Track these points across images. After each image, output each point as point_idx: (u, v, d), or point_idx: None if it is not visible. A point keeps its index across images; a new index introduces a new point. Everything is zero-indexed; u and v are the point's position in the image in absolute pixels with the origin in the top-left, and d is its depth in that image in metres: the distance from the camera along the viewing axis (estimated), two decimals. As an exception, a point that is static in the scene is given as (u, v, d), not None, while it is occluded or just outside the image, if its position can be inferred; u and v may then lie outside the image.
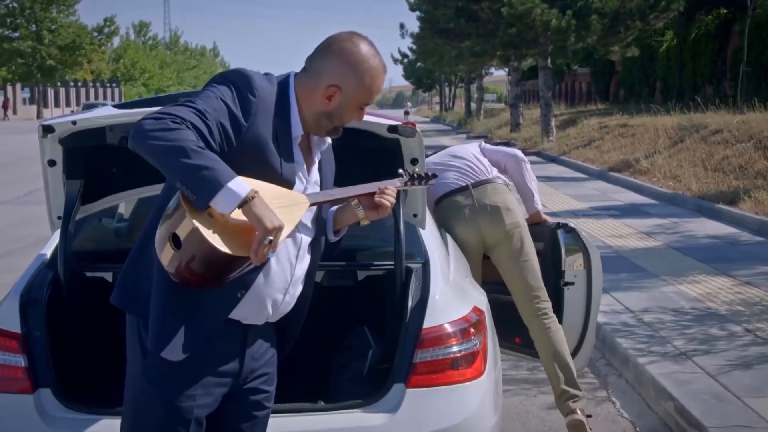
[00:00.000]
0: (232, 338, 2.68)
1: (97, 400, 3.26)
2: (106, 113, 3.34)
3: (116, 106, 3.40)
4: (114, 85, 78.33)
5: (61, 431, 3.11)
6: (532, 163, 5.20)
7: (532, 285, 4.63)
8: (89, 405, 3.20)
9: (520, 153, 5.10)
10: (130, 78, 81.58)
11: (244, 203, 2.35)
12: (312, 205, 2.69)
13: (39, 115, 61.54)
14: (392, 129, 3.37)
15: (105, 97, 76.31)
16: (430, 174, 3.05)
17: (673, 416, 4.90)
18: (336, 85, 2.66)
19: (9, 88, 61.12)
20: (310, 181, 2.79)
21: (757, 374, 5.34)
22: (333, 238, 2.94)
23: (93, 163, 3.56)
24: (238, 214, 2.37)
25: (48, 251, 3.72)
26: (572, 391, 4.57)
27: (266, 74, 2.75)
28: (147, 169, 3.53)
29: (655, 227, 11.18)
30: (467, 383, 3.30)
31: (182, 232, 2.35)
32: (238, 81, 2.60)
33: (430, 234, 3.90)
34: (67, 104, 69.22)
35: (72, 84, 69.05)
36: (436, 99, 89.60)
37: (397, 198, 3.59)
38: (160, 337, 2.57)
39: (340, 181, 3.84)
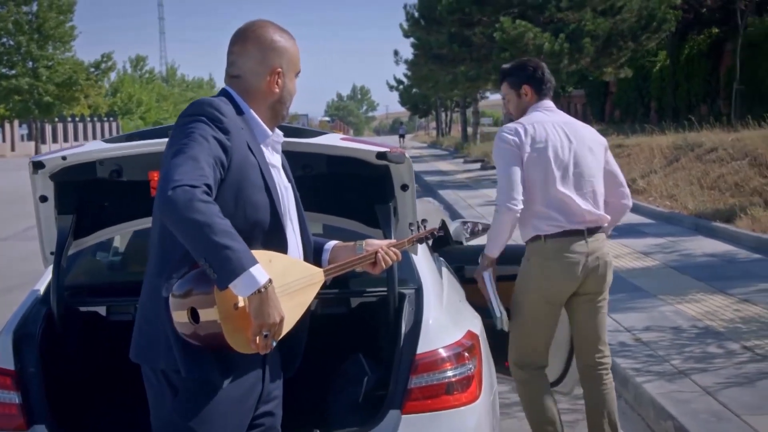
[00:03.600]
0: (254, 359, 2.69)
1: None
2: (96, 147, 3.36)
3: (106, 141, 3.42)
4: (111, 119, 78.53)
5: None
6: None
7: (601, 337, 4.40)
8: None
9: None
10: (127, 111, 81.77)
11: (258, 292, 2.43)
12: (328, 279, 2.81)
13: (37, 151, 61.58)
14: (381, 156, 3.39)
15: (102, 132, 76.52)
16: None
17: (673, 436, 4.89)
18: (276, 69, 2.77)
19: (6, 125, 61.27)
20: (281, 175, 2.87)
21: (756, 392, 5.33)
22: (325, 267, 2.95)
23: (84, 197, 3.57)
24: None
25: (41, 287, 3.73)
26: None
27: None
28: (138, 202, 3.58)
29: (652, 247, 11.19)
30: (462, 408, 3.29)
31: (204, 315, 2.46)
32: (205, 111, 2.66)
33: (422, 259, 3.91)
34: (65, 139, 69.39)
35: (69, 119, 69.22)
36: (433, 124, 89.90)
37: (388, 222, 3.62)
38: (188, 360, 2.59)
39: (332, 209, 3.87)
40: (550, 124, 4.31)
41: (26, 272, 11.41)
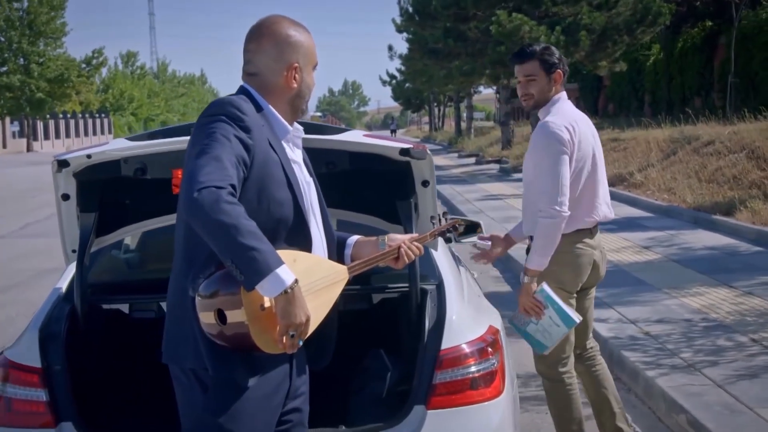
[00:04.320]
0: (281, 357, 2.71)
1: (117, 431, 3.26)
2: (120, 146, 3.36)
3: (129, 139, 3.43)
4: (103, 115, 78.30)
5: None
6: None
7: (591, 326, 4.55)
8: None
9: None
10: (119, 108, 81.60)
11: (284, 292, 2.46)
12: (352, 276, 2.83)
13: (29, 149, 61.44)
14: (404, 152, 3.40)
15: (94, 128, 76.26)
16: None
17: (686, 429, 4.91)
18: (293, 64, 2.78)
19: (-2, 122, 61.15)
20: (304, 171, 2.89)
21: None
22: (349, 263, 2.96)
23: (106, 195, 3.58)
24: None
25: (63, 285, 3.73)
26: (626, 428, 4.47)
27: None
28: (160, 199, 3.58)
29: (652, 240, 11.22)
30: (487, 403, 3.31)
31: (231, 316, 2.48)
32: (226, 110, 2.67)
33: (442, 255, 3.92)
34: (57, 136, 69.13)
35: (61, 116, 68.96)
36: (425, 119, 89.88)
37: (410, 218, 3.63)
38: (216, 359, 2.61)
39: (353, 205, 3.89)
40: (581, 119, 4.27)
41: (23, 270, 11.41)
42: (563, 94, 4.32)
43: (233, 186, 2.51)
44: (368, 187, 3.76)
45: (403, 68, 49.56)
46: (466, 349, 3.34)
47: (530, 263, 4.07)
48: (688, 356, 6.00)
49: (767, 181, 13.04)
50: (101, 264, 4.17)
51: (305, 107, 2.88)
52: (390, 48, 37.19)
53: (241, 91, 2.82)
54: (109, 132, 77.71)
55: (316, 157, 3.47)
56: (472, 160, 33.07)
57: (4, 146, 61.28)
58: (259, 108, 2.77)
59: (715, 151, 15.78)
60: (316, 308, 2.62)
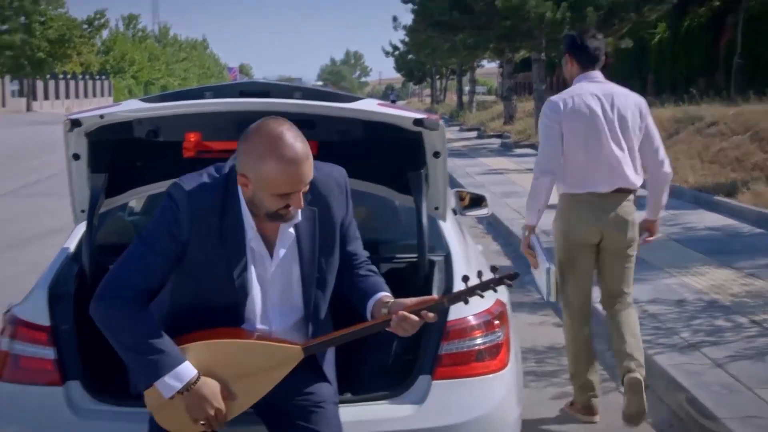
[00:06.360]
0: None
1: (124, 392, 3.26)
2: (133, 107, 3.35)
3: (143, 100, 3.41)
4: (103, 77, 78.00)
5: (90, 423, 3.12)
6: (526, 156, 5.49)
7: (620, 282, 4.96)
8: (117, 397, 3.21)
9: None
10: (119, 70, 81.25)
11: (186, 390, 2.69)
12: (307, 354, 2.85)
13: (29, 108, 61.27)
14: (417, 122, 3.38)
15: (95, 90, 75.99)
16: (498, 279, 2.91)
17: (685, 407, 4.94)
18: (243, 174, 2.71)
19: (-2, 81, 60.92)
20: (273, 264, 2.87)
21: (767, 365, 5.37)
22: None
23: (117, 156, 3.57)
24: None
25: (71, 245, 3.73)
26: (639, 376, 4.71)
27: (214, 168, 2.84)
28: (170, 162, 3.57)
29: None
30: (492, 375, 3.31)
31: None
32: (174, 198, 2.75)
33: (450, 226, 3.92)
34: (57, 97, 68.87)
35: (61, 76, 68.66)
36: (427, 91, 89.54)
37: (420, 189, 3.62)
38: None
39: (363, 174, 3.87)
40: (589, 94, 4.66)
41: (26, 229, 11.42)
42: (589, 74, 4.76)
43: (138, 290, 2.74)
44: (379, 157, 3.74)
45: (406, 40, 49.30)
46: (473, 321, 3.34)
47: (526, 220, 4.81)
48: (688, 336, 6.03)
49: (770, 164, 13.03)
50: (108, 225, 4.16)
51: (271, 218, 2.77)
52: (394, 19, 36.85)
53: (230, 163, 2.85)
54: (109, 94, 77.45)
55: (328, 124, 3.47)
56: (474, 134, 32.99)
57: (3, 105, 61.08)
58: (230, 192, 2.77)
59: (718, 132, 15.74)
60: (253, 386, 2.79)
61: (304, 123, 3.42)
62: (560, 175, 4.68)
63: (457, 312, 3.33)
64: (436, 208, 3.82)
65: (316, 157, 3.78)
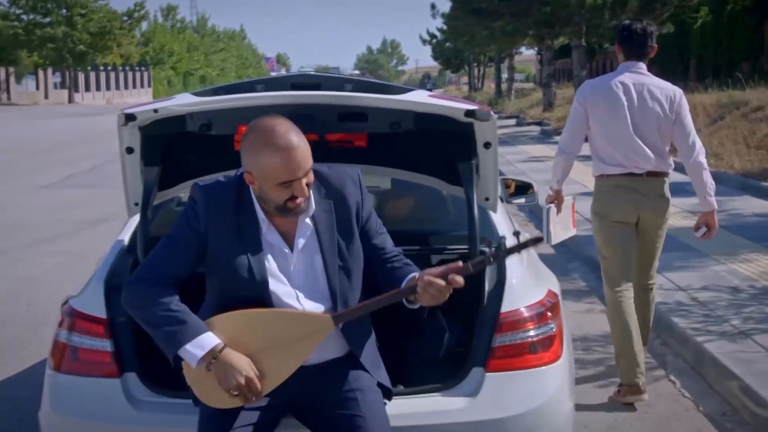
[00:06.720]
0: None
1: (179, 383, 3.30)
2: (186, 101, 3.36)
3: (195, 94, 3.44)
4: (143, 68, 78.61)
5: (147, 414, 3.15)
6: None
7: (650, 263, 5.25)
8: (173, 388, 3.24)
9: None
10: (158, 61, 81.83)
11: (212, 359, 2.75)
12: (337, 324, 2.88)
13: (70, 100, 61.97)
14: (469, 113, 3.37)
15: (134, 81, 76.64)
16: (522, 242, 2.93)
17: (738, 396, 4.88)
18: (248, 172, 2.85)
19: (40, 73, 61.59)
20: (294, 255, 2.95)
21: (821, 354, 5.30)
22: (410, 305, 2.99)
23: (170, 149, 3.59)
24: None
25: (125, 237, 3.77)
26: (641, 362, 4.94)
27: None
28: (221, 155, 3.59)
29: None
30: (545, 367, 3.29)
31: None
32: (193, 195, 2.94)
33: (501, 217, 3.90)
34: (97, 88, 69.56)
35: (102, 68, 69.31)
36: (464, 79, 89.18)
37: (471, 179, 3.61)
38: None
39: (414, 165, 3.87)
40: (620, 83, 4.92)
41: (67, 220, 11.55)
42: (631, 64, 5.01)
43: (162, 275, 2.86)
44: (429, 148, 3.74)
45: (444, 27, 49.11)
46: (525, 313, 3.33)
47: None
48: (738, 323, 5.96)
49: (818, 149, 12.82)
50: (161, 217, 4.20)
51: (280, 211, 2.88)
52: (433, 6, 36.84)
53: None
54: (149, 85, 78.07)
55: (380, 116, 3.46)
56: (513, 121, 32.80)
57: (47, 97, 61.85)
58: (242, 189, 2.93)
59: (765, 116, 15.52)
60: (285, 359, 2.81)
61: (357, 115, 3.43)
62: (593, 158, 5.04)
63: (509, 304, 3.32)
64: (487, 199, 3.81)
65: (365, 149, 3.80)
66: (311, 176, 2.85)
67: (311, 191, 2.91)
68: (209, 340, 2.77)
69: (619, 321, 4.93)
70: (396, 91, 3.42)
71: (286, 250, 2.94)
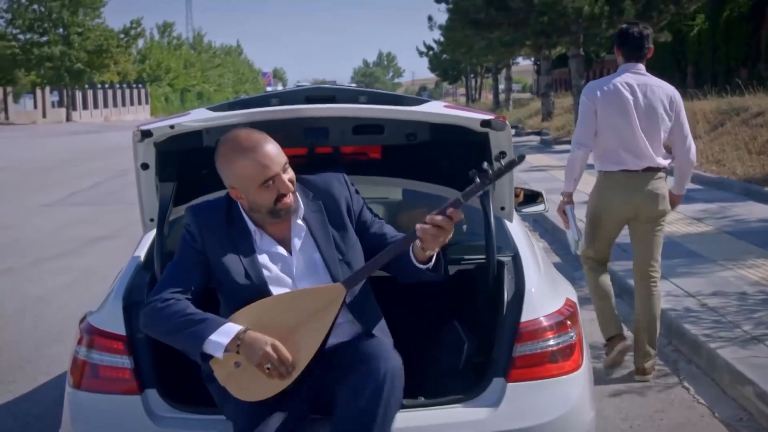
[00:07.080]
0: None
1: (200, 399, 3.29)
2: (202, 116, 3.36)
3: (210, 109, 3.43)
4: (140, 85, 78.67)
5: (169, 430, 3.14)
6: (567, 152, 5.69)
7: (650, 253, 5.55)
8: (194, 404, 3.23)
9: None
10: (155, 78, 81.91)
11: (238, 344, 2.82)
12: (350, 288, 2.95)
13: (68, 118, 61.95)
14: (485, 123, 3.37)
15: (132, 99, 76.68)
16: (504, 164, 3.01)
17: (753, 401, 4.87)
18: (231, 187, 3.00)
19: (38, 92, 61.62)
20: (293, 258, 3.05)
21: (835, 358, 5.29)
22: (425, 267, 3.01)
23: (185, 164, 3.59)
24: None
25: (142, 253, 3.76)
26: (651, 350, 5.44)
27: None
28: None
29: (703, 212, 11.10)
30: (566, 376, 3.28)
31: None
32: (187, 219, 3.12)
33: (516, 226, 3.90)
34: (95, 106, 69.55)
35: (99, 86, 69.34)
36: (461, 90, 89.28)
37: (486, 191, 3.60)
38: None
39: (429, 176, 3.87)
40: (625, 83, 5.22)
41: (72, 238, 11.54)
42: (631, 65, 5.32)
43: (174, 292, 2.96)
44: (444, 158, 3.74)
45: (441, 39, 49.21)
46: (545, 322, 3.31)
47: (564, 187, 5.44)
48: (749, 328, 5.95)
49: (820, 153, 12.84)
50: (176, 233, 4.19)
51: (272, 214, 3.00)
52: (430, 18, 36.78)
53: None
54: (146, 102, 78.09)
55: (396, 128, 3.46)
56: (512, 131, 32.76)
57: (45, 116, 61.86)
58: (231, 204, 3.08)
59: (765, 122, 15.53)
60: (309, 334, 2.86)
61: (372, 127, 3.43)
62: (596, 155, 5.32)
63: (529, 313, 3.31)
64: (503, 209, 3.81)
65: (379, 161, 3.80)
66: (291, 173, 2.97)
67: (299, 196, 3.04)
68: (232, 327, 2.85)
69: (596, 287, 5.49)
70: (412, 103, 3.42)
71: (285, 254, 3.05)
